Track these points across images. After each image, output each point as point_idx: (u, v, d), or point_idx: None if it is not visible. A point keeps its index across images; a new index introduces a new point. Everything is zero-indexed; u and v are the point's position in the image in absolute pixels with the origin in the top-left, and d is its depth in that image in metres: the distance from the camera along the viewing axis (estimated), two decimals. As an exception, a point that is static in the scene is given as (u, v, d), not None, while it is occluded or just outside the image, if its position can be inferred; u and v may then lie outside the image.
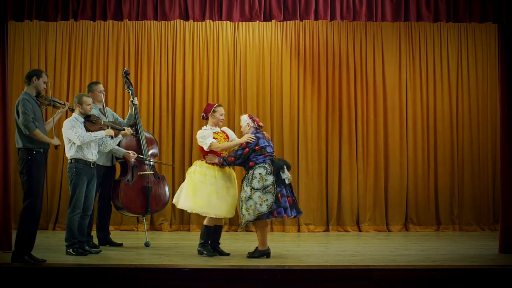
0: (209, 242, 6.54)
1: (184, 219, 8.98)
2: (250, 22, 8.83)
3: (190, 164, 8.97)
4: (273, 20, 6.87)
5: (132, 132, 7.08)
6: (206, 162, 6.52)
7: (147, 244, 7.16)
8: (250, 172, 6.32)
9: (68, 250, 6.42)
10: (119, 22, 8.51)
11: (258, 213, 6.17)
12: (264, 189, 6.20)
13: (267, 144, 6.43)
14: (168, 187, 7.55)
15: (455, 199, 9.07)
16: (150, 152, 7.45)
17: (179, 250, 7.08)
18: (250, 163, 6.34)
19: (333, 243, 7.77)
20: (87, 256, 6.40)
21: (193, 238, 8.24)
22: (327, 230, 8.94)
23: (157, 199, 7.36)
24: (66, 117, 7.06)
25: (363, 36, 9.16)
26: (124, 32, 9.10)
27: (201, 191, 6.40)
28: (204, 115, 6.71)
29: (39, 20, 6.88)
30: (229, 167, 6.64)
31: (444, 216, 9.05)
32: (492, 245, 7.16)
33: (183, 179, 8.92)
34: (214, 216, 6.44)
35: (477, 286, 5.61)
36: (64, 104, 6.41)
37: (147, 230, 7.39)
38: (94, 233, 7.26)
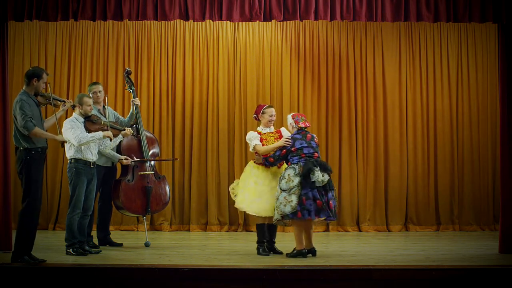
0: (265, 241, 6.64)
1: (184, 219, 8.99)
2: (250, 22, 8.83)
3: (190, 164, 9.04)
4: (273, 20, 6.87)
5: (132, 132, 7.08)
6: (255, 162, 6.74)
7: (147, 244, 7.16)
8: (283, 172, 6.46)
9: (68, 250, 6.42)
10: (119, 22, 8.50)
11: (281, 213, 6.27)
12: (290, 190, 6.29)
13: (305, 145, 6.47)
14: (169, 187, 7.55)
15: (455, 199, 9.07)
16: (151, 151, 7.45)
17: (179, 250, 7.08)
18: (288, 163, 6.49)
19: (333, 243, 7.77)
20: (87, 256, 6.40)
21: (193, 238, 8.26)
22: (327, 230, 8.93)
23: (157, 199, 7.36)
24: (67, 117, 7.06)
25: (363, 36, 9.16)
26: (124, 32, 9.10)
27: (248, 190, 6.60)
28: (256, 116, 6.88)
29: (39, 20, 6.88)
30: (278, 167, 6.71)
31: (444, 216, 9.05)
32: (492, 245, 7.16)
33: (183, 179, 9.03)
34: (253, 214, 6.63)
35: (477, 286, 5.61)
36: (65, 102, 6.40)
37: (147, 230, 7.39)
38: (94, 233, 7.26)
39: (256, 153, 6.71)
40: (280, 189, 6.35)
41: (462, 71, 9.21)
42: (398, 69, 9.19)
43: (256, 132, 6.77)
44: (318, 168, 6.30)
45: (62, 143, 6.16)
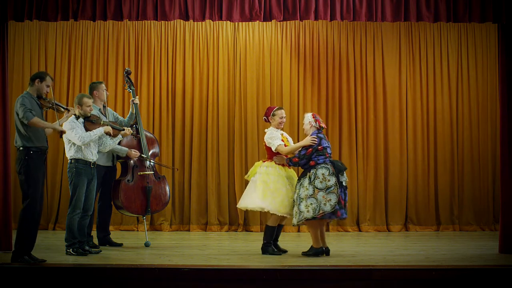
0: (272, 241, 6.64)
1: (184, 219, 8.98)
2: (250, 22, 8.83)
3: (190, 164, 9.03)
4: (273, 20, 6.87)
5: (132, 132, 7.08)
6: (275, 163, 6.65)
7: (147, 244, 7.16)
8: (312, 171, 6.40)
9: (68, 250, 6.43)
10: (119, 22, 8.51)
11: (322, 212, 6.27)
12: (327, 189, 6.31)
13: (328, 145, 6.53)
14: (168, 187, 7.55)
15: (455, 199, 9.08)
16: (151, 152, 7.45)
17: (179, 250, 7.08)
18: (311, 162, 6.44)
19: (333, 243, 7.75)
20: (87, 256, 6.40)
21: (193, 238, 8.26)
22: (327, 230, 8.83)
23: (157, 199, 7.36)
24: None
25: (363, 36, 9.16)
26: (124, 32, 9.10)
27: (280, 192, 6.51)
28: (266, 118, 6.88)
29: (39, 20, 6.88)
30: (290, 168, 6.75)
31: (444, 216, 9.05)
32: (492, 245, 7.16)
33: (183, 179, 9.02)
34: (287, 216, 6.55)
35: (477, 286, 5.61)
36: (68, 109, 6.40)
37: (147, 230, 7.39)
38: (94, 233, 7.26)
39: (276, 153, 6.63)
40: (316, 188, 6.31)
41: (462, 71, 9.22)
42: (398, 69, 9.19)
43: (277, 132, 6.70)
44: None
45: (61, 133, 6.13)
